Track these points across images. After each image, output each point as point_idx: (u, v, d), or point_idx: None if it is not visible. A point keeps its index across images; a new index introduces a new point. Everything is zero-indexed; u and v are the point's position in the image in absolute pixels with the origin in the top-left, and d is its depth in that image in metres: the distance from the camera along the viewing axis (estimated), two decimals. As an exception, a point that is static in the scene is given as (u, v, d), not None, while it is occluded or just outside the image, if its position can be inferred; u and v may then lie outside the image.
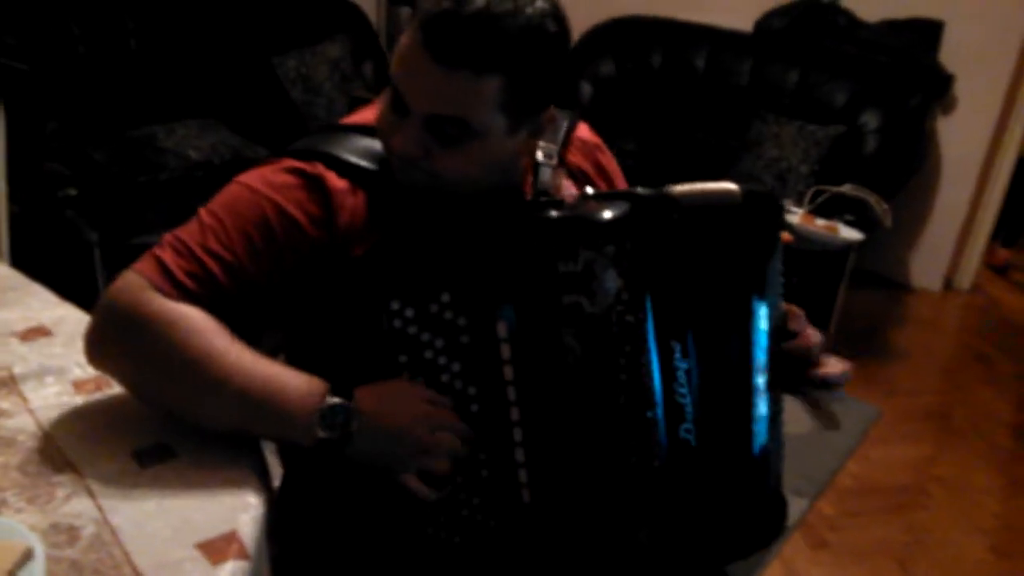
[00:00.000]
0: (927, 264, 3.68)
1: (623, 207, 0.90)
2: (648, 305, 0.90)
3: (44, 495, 0.87)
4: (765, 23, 3.57)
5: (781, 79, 3.42)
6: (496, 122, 0.89)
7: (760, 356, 0.95)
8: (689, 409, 0.92)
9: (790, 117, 3.28)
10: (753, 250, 0.95)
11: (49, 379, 1.06)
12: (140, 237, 2.38)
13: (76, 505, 0.85)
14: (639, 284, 0.89)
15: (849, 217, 2.83)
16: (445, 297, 0.88)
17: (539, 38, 0.87)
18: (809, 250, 2.73)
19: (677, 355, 0.91)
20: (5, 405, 1.01)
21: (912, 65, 3.33)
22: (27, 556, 0.77)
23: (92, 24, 2.88)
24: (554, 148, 1.05)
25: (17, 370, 1.08)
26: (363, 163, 0.97)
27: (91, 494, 0.87)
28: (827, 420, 2.63)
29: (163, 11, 3.08)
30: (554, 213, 0.91)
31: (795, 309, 1.05)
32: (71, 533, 0.82)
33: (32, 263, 1.60)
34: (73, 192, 2.52)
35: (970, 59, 3.34)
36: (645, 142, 3.53)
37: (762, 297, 0.95)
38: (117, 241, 2.37)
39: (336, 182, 0.95)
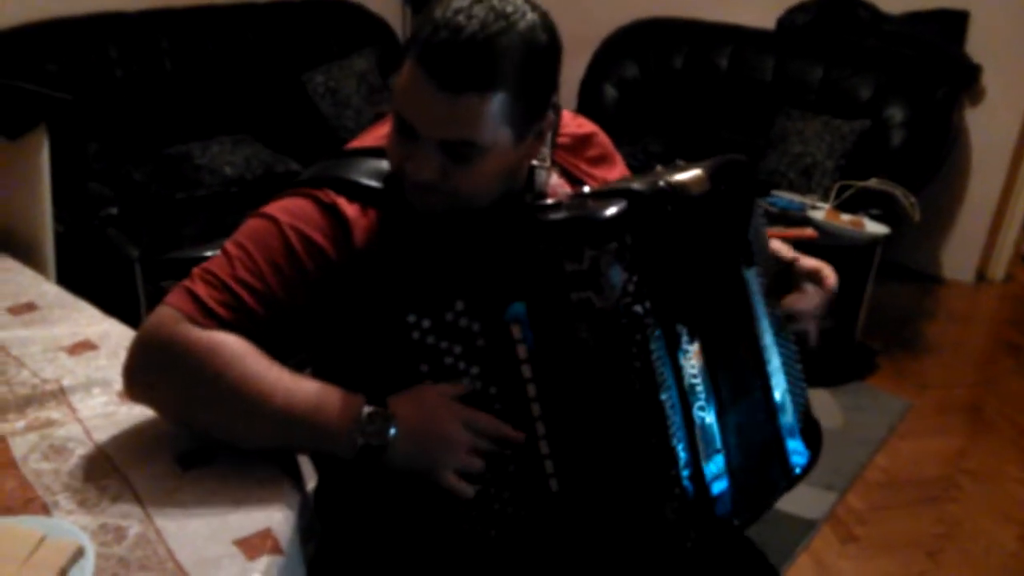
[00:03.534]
0: (959, 256, 3.65)
1: (621, 203, 0.94)
2: (652, 293, 0.93)
3: (93, 498, 0.93)
4: (787, 20, 3.56)
5: (805, 75, 3.43)
6: (503, 135, 0.94)
7: (762, 317, 1.01)
8: (701, 388, 0.96)
9: (815, 112, 3.28)
10: (730, 222, 1.00)
11: (96, 390, 1.13)
12: (178, 252, 2.46)
13: (123, 506, 0.92)
14: (642, 275, 0.93)
15: (875, 211, 2.83)
16: (459, 305, 0.92)
17: (533, 51, 0.91)
18: (835, 245, 2.74)
19: (684, 338, 0.95)
20: (56, 415, 1.08)
21: (937, 57, 3.31)
22: (79, 554, 0.83)
23: (128, 47, 2.98)
24: (545, 151, 1.09)
25: (66, 382, 1.15)
26: (371, 183, 1.02)
27: (136, 496, 0.93)
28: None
29: (196, 32, 3.18)
30: (556, 215, 0.96)
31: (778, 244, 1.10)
32: (118, 532, 0.88)
33: (77, 280, 1.68)
34: (114, 211, 2.62)
35: (997, 48, 3.31)
36: (671, 142, 3.55)
37: (749, 264, 1.00)
38: (156, 256, 2.46)
39: (347, 206, 1.00)
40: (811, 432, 1.10)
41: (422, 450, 0.93)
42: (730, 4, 3.68)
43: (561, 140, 1.14)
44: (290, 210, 1.00)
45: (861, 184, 2.86)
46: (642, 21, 3.78)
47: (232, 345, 0.94)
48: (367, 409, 0.93)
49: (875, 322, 3.05)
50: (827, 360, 2.82)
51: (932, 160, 3.20)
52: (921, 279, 3.67)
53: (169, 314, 0.96)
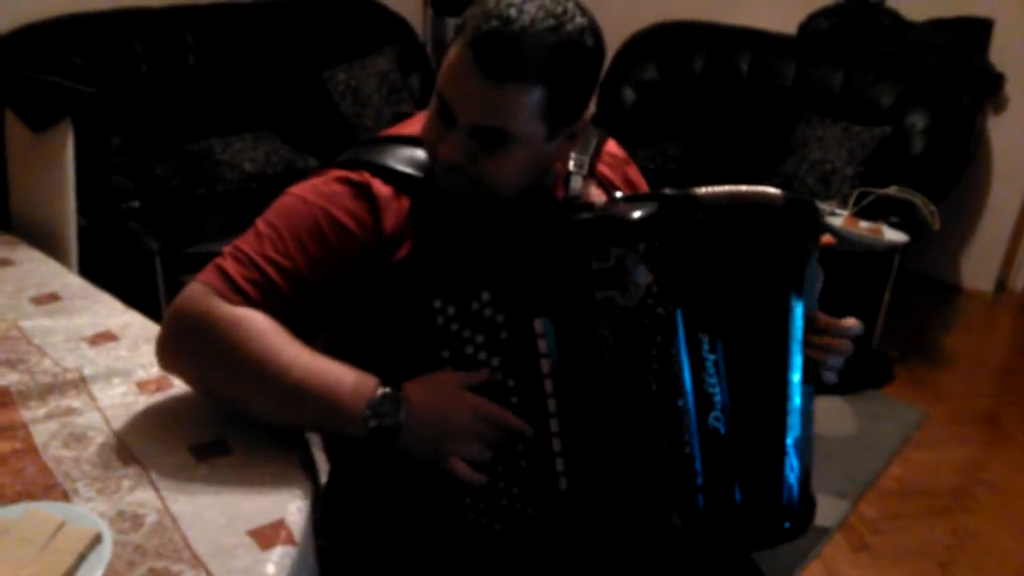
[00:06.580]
0: (979, 265, 3.62)
1: (651, 206, 0.95)
2: (677, 298, 0.94)
3: (112, 486, 0.95)
4: (809, 25, 3.55)
5: (825, 81, 3.41)
6: (536, 129, 0.96)
7: (796, 351, 0.99)
8: (718, 399, 0.96)
9: (835, 119, 3.27)
10: (789, 252, 0.99)
11: (116, 380, 1.15)
12: (198, 246, 2.49)
13: (140, 495, 0.93)
14: (668, 278, 0.94)
15: (895, 219, 2.81)
16: (485, 296, 0.94)
17: (578, 52, 0.94)
18: (853, 252, 2.72)
19: (705, 347, 0.95)
20: (76, 404, 1.09)
21: (960, 65, 3.28)
22: (97, 540, 0.85)
23: (153, 42, 3.01)
24: (585, 159, 1.12)
25: (87, 372, 1.17)
26: (406, 170, 1.04)
27: (154, 485, 0.95)
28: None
29: (220, 28, 3.20)
30: (586, 215, 0.97)
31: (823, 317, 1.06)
32: (135, 520, 0.90)
33: (98, 272, 1.70)
34: (136, 204, 2.64)
35: (1020, 57, 3.28)
36: (689, 146, 3.54)
37: (799, 296, 0.98)
38: (177, 250, 2.48)
39: (381, 188, 1.02)
40: (806, 502, 1.02)
41: (432, 435, 0.95)
42: (751, 8, 3.67)
43: (604, 158, 1.17)
44: (322, 191, 1.02)
45: (881, 191, 2.84)
46: (662, 24, 3.78)
47: (255, 321, 0.97)
48: (380, 391, 0.94)
49: (892, 331, 3.03)
50: (843, 368, 2.80)
51: (953, 168, 3.17)
52: (940, 288, 3.64)
53: (200, 289, 0.99)
